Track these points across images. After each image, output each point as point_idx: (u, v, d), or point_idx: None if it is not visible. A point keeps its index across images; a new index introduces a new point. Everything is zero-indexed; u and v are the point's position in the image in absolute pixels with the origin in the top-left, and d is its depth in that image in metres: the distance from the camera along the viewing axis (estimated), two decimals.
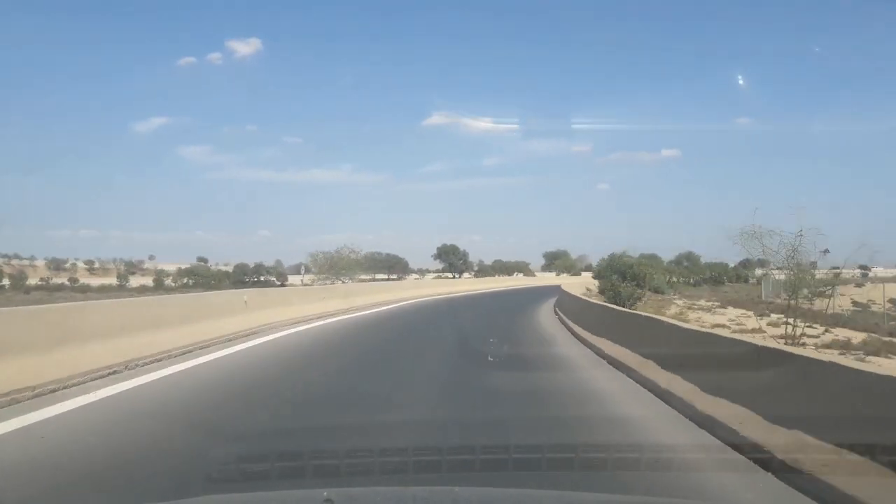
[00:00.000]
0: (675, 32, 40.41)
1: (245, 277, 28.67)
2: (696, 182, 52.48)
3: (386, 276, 38.32)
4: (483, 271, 48.02)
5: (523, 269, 54.07)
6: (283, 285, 24.80)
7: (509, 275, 45.80)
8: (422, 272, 50.71)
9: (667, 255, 28.50)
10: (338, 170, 60.59)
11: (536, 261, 50.45)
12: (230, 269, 33.69)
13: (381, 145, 61.30)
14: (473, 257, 52.48)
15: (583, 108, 51.16)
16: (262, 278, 32.28)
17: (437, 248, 52.40)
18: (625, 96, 46.00)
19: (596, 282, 15.01)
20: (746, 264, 24.95)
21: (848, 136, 39.13)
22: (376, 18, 48.75)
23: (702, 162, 52.00)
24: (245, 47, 51.50)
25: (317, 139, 57.82)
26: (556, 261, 52.69)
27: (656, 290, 14.49)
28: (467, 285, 22.96)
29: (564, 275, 44.56)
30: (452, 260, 50.36)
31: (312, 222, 61.65)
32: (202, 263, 36.40)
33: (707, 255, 29.10)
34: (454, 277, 46.78)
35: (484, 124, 53.00)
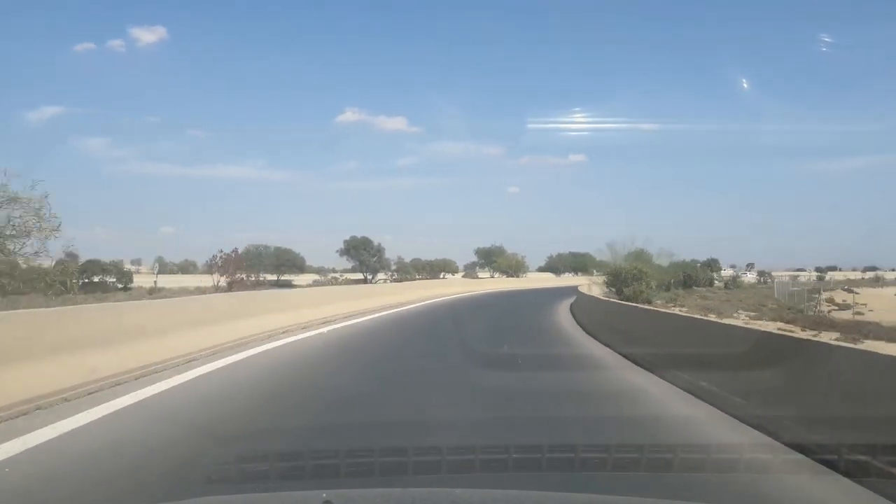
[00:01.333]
0: (582, 42, 57.35)
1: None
2: (601, 185, 70.78)
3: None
4: (403, 271, 48.93)
5: (450, 267, 57.53)
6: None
7: (434, 276, 48.01)
8: (323, 272, 50.25)
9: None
10: (247, 166, 69.24)
11: (463, 258, 59.37)
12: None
13: (292, 141, 70.94)
14: (390, 254, 52.89)
15: (494, 111, 66.52)
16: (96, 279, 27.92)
17: (345, 242, 51.29)
18: (533, 101, 62.56)
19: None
20: (713, 265, 29.48)
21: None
22: (287, 11, 57.95)
23: (606, 166, 70.18)
24: (149, 35, 61.36)
25: (225, 134, 66.97)
26: (497, 259, 55.99)
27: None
28: (390, 296, 15.40)
29: (523, 276, 50.27)
30: (364, 257, 50.05)
31: (220, 219, 69.30)
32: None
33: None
34: (367, 280, 46.98)
35: (398, 124, 66.76)
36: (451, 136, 69.51)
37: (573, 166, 68.72)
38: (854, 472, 2.53)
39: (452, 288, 23.02)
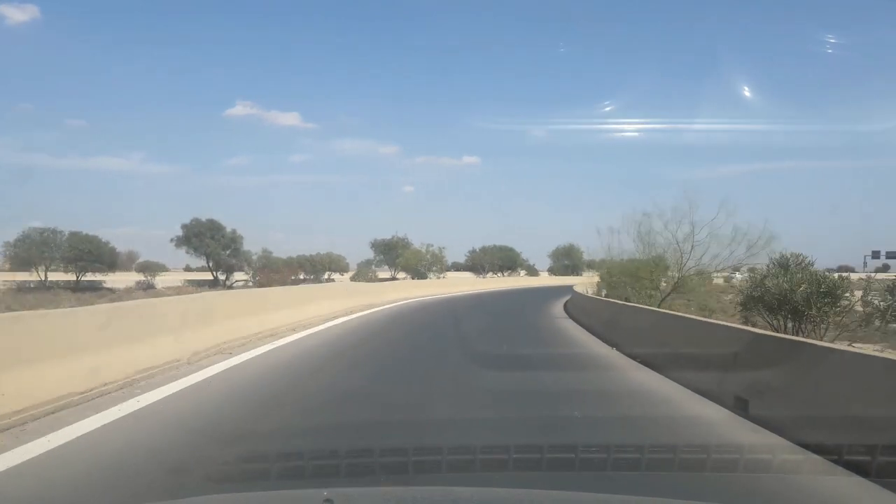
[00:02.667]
0: (478, 46, 69.72)
1: None
2: (492, 187, 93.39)
3: None
4: (270, 267, 48.29)
5: (338, 265, 57.49)
6: None
7: (307, 277, 48.93)
8: (150, 268, 47.48)
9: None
10: (128, 158, 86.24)
11: (357, 254, 65.98)
12: None
13: (178, 134, 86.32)
14: (253, 245, 51.75)
15: (390, 110, 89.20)
16: None
17: (184, 227, 49.17)
18: (429, 102, 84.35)
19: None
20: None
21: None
22: None
23: (498, 169, 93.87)
24: (19, 13, 63.12)
25: (105, 123, 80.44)
26: (402, 253, 57.25)
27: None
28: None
29: (441, 276, 50.85)
30: (211, 247, 48.60)
31: (99, 214, 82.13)
32: None
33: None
34: (218, 282, 45.78)
35: (291, 119, 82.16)
36: (347, 133, 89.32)
37: (467, 167, 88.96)
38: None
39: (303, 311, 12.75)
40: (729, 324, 7.59)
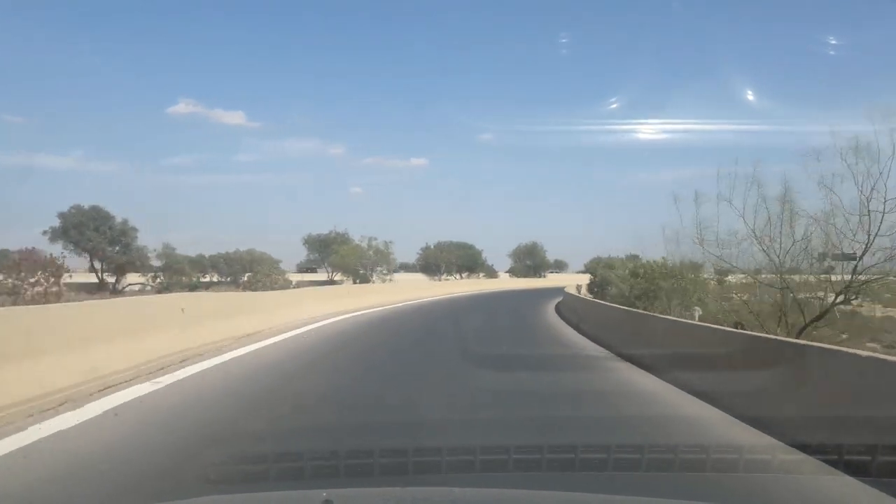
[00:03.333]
0: (427, 48, 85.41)
1: None
2: (440, 189, 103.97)
3: None
4: (176, 270, 45.45)
5: (264, 264, 54.24)
6: None
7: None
8: None
9: None
10: (66, 156, 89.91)
11: (294, 255, 69.35)
12: None
13: (118, 131, 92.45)
14: (151, 241, 48.91)
15: (338, 110, 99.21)
16: None
17: (61, 216, 45.69)
18: (377, 103, 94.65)
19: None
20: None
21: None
22: None
23: (447, 171, 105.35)
24: None
25: (42, 120, 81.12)
26: (338, 250, 55.00)
27: None
28: None
29: (388, 280, 48.45)
30: (95, 242, 45.08)
31: (28, 214, 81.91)
32: None
33: None
34: (107, 289, 42.92)
35: (236, 118, 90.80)
36: (294, 133, 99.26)
37: (414, 169, 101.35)
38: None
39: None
40: None
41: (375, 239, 54.07)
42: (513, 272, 73.42)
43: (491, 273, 70.33)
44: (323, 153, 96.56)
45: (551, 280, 65.85)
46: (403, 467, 3.62)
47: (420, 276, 61.07)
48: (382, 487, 3.04)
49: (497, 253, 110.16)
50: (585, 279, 39.85)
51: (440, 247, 67.22)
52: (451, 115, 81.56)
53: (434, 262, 65.80)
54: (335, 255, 54.97)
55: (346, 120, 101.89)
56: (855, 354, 4.95)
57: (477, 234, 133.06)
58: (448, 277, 62.61)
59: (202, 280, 49.72)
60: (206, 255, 54.17)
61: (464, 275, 65.58)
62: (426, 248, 68.03)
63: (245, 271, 53.73)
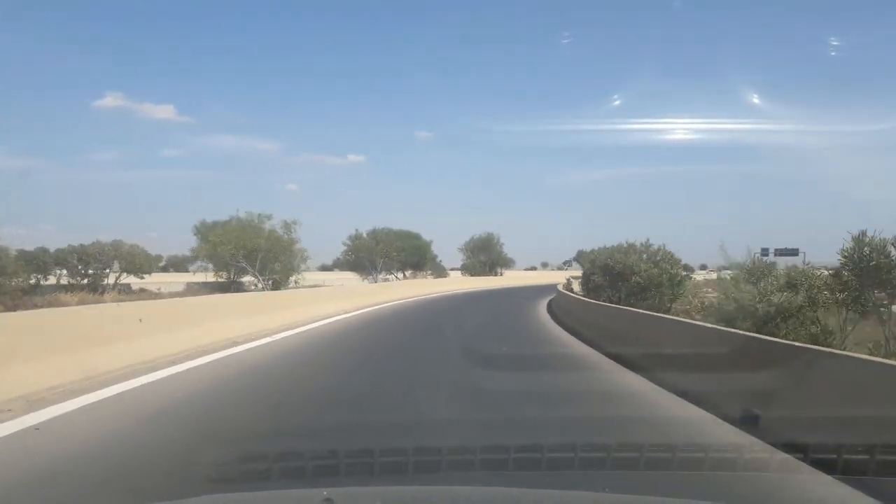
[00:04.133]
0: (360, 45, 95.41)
1: None
2: (379, 187, 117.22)
3: None
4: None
5: (138, 260, 48.72)
6: None
7: None
8: None
9: None
10: None
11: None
12: None
13: (40, 126, 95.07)
14: None
15: (270, 105, 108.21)
16: None
17: None
18: (312, 99, 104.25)
19: None
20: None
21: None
22: None
23: (386, 168, 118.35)
24: None
25: None
26: (211, 238, 45.22)
27: None
28: None
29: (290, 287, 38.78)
30: None
31: None
32: None
33: None
34: None
35: (165, 113, 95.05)
36: (226, 129, 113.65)
37: (351, 167, 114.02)
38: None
39: None
40: None
41: (268, 216, 46.63)
42: (466, 269, 72.27)
43: (440, 272, 68.84)
44: (254, 149, 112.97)
45: (512, 279, 65.31)
46: (403, 466, 4.20)
47: (350, 277, 57.48)
48: (383, 487, 3.53)
49: (445, 248, 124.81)
50: (550, 277, 40.58)
51: (376, 235, 60.99)
52: (387, 111, 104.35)
53: (368, 256, 59.81)
54: (207, 244, 46.06)
55: (281, 117, 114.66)
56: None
57: (423, 228, 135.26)
58: (389, 277, 59.53)
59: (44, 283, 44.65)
60: (52, 249, 49.05)
61: (407, 273, 63.15)
62: (356, 237, 61.31)
63: (106, 268, 48.60)
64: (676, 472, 4.61)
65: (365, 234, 61.56)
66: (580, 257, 55.54)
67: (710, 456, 4.88)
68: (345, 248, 62.47)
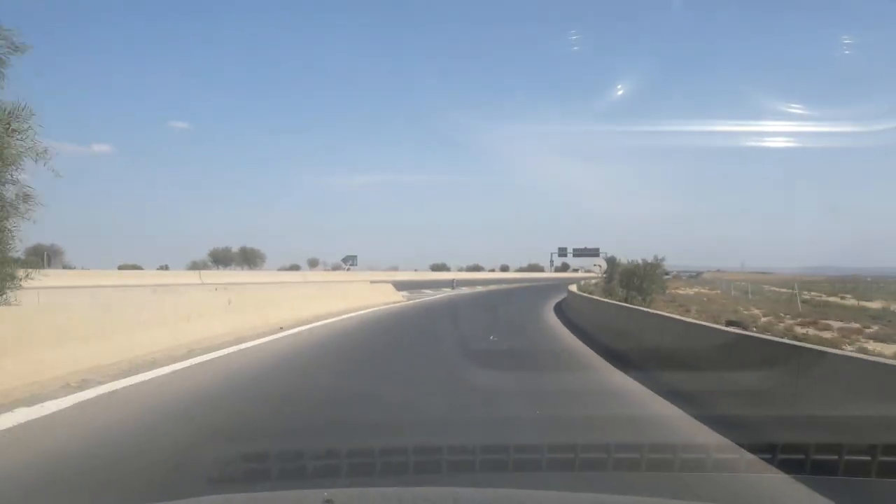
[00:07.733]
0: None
1: None
2: (136, 183, 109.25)
3: None
4: None
5: None
6: None
7: None
8: None
9: None
10: None
11: None
12: None
13: None
14: None
15: None
16: None
17: None
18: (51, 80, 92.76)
19: None
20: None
21: None
22: None
23: (139, 160, 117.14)
24: None
25: None
26: None
27: None
28: None
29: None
30: None
31: None
32: None
33: None
34: None
35: None
36: None
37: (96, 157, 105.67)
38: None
39: None
40: None
41: None
42: None
43: None
44: None
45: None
46: (404, 466, 4.21)
47: None
48: (383, 487, 3.48)
49: None
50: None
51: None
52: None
53: None
54: None
55: None
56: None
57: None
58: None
59: None
60: None
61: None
62: None
63: None
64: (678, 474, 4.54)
65: None
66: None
67: (710, 457, 4.86)
68: None
